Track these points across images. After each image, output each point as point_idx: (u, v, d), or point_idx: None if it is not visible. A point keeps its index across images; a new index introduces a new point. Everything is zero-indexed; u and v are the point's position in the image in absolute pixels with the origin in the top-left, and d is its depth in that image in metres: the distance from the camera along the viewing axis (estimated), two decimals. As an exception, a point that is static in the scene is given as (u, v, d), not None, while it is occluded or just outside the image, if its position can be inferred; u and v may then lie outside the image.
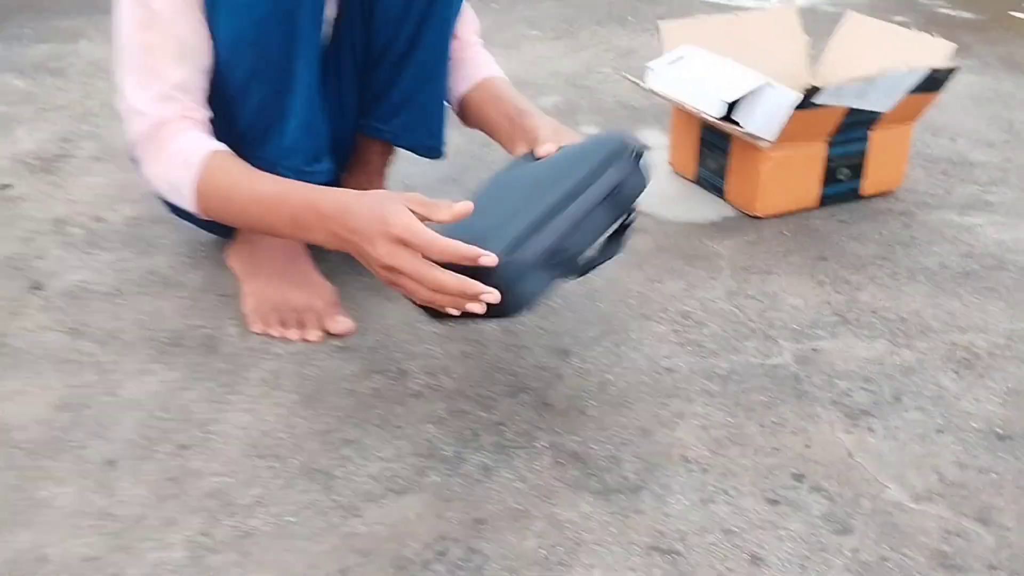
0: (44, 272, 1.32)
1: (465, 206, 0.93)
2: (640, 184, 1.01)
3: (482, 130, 1.28)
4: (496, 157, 1.32)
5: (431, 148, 1.29)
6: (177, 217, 1.29)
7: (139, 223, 1.45)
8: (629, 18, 2.56)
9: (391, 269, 0.92)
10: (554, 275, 0.96)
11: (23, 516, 0.90)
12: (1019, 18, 2.61)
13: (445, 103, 1.28)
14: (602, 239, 1.01)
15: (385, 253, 0.92)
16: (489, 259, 0.89)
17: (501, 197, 1.01)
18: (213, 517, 0.90)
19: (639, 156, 1.01)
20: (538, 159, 1.09)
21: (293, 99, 1.11)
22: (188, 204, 1.09)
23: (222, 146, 1.10)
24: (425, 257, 0.91)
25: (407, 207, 0.93)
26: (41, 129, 1.78)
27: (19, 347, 1.16)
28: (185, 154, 1.09)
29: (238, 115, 1.12)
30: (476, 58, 1.30)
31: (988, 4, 2.76)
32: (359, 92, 1.26)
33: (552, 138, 1.11)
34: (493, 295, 0.89)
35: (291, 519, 0.90)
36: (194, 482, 0.95)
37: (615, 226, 1.02)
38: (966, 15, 2.67)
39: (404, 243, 0.91)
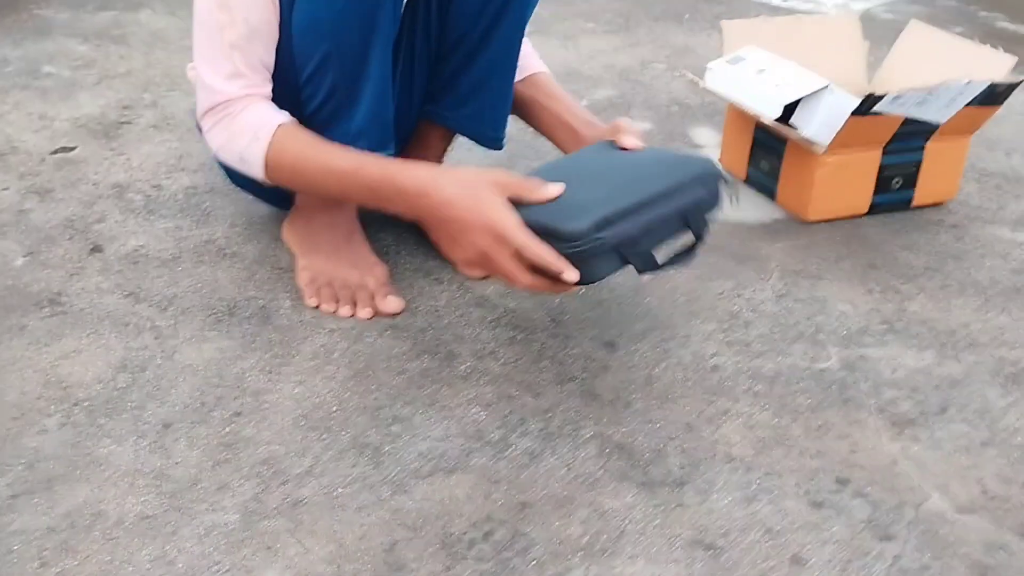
0: (104, 236, 1.35)
1: (558, 187, 0.99)
2: (716, 208, 1.08)
3: (528, 122, 1.33)
4: (547, 146, 1.33)
5: (494, 139, 1.31)
6: (238, 187, 1.32)
7: (196, 192, 1.47)
8: (686, 16, 2.55)
9: (483, 257, 0.97)
10: (625, 262, 0.99)
11: (82, 472, 0.93)
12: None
13: (510, 97, 1.30)
14: (674, 245, 1.05)
15: (484, 246, 0.97)
16: (571, 276, 0.94)
17: (589, 179, 1.04)
18: (265, 484, 0.93)
19: (722, 182, 1.08)
20: (623, 149, 1.12)
21: (365, 85, 1.12)
22: (257, 174, 1.12)
23: (289, 118, 1.12)
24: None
25: (504, 197, 0.97)
26: (103, 95, 1.81)
27: (79, 307, 1.19)
28: (255, 127, 1.11)
29: (309, 97, 1.14)
30: (525, 51, 1.32)
31: (1049, 19, 2.72)
32: (428, 78, 1.27)
33: (612, 134, 1.14)
34: (571, 288, 0.97)
35: (341, 490, 0.92)
36: (247, 449, 0.97)
37: (687, 239, 1.06)
38: (1025, 30, 2.64)
39: (502, 242, 0.95)
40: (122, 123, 1.70)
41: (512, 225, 0.95)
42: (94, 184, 1.48)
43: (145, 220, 1.39)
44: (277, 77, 1.13)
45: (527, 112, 1.33)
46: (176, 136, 1.65)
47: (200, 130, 1.18)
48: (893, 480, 0.98)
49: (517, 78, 1.30)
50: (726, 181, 1.09)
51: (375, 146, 1.18)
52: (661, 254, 1.03)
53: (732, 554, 0.88)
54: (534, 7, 1.24)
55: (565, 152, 1.27)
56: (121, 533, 0.86)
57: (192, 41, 1.13)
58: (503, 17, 1.20)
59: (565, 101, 1.30)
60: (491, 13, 1.20)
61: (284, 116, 1.12)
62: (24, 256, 1.29)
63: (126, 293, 1.22)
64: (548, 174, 1.04)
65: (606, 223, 0.96)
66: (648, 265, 1.01)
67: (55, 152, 1.58)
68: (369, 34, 1.09)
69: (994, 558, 0.89)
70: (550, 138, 1.30)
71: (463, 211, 0.97)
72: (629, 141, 1.12)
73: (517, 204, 0.98)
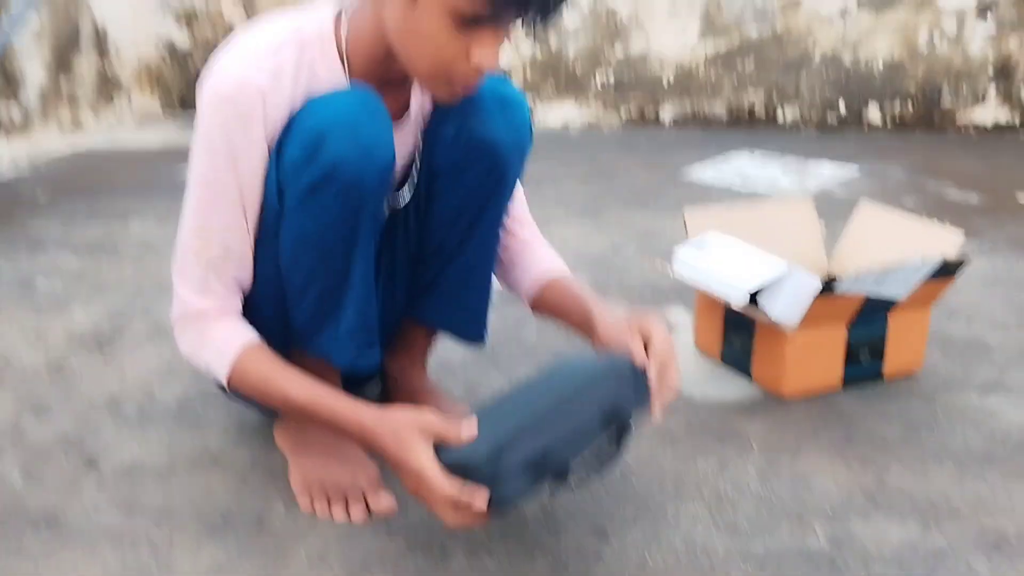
0: (98, 449, 1.37)
1: (471, 426, 1.05)
2: (638, 401, 1.11)
3: (558, 325, 1.36)
4: (527, 334, 1.39)
5: (476, 336, 1.37)
6: (224, 395, 1.36)
7: (189, 400, 1.51)
8: (651, 201, 2.69)
9: (416, 495, 1.05)
10: (542, 480, 1.03)
11: None
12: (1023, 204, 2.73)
13: (490, 295, 1.37)
14: (595, 450, 1.08)
15: (411, 488, 1.06)
16: (479, 504, 1.00)
17: (511, 406, 1.09)
18: None
19: (640, 376, 1.11)
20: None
21: (349, 294, 1.19)
22: (222, 384, 1.19)
23: (254, 338, 1.18)
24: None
25: (428, 441, 1.04)
26: (95, 306, 1.88)
27: (76, 524, 1.20)
28: (220, 344, 1.18)
29: (295, 307, 1.20)
30: (542, 255, 1.38)
31: (994, 187, 2.88)
32: (409, 281, 1.34)
33: (612, 339, 1.17)
34: (482, 516, 1.02)
35: None
36: (246, 663, 0.97)
37: (610, 437, 1.09)
38: (973, 199, 2.78)
39: (422, 484, 1.04)
40: (115, 334, 1.76)
41: (428, 468, 1.03)
42: (88, 398, 1.52)
43: (139, 431, 1.42)
44: (266, 285, 1.20)
45: (554, 318, 1.35)
46: (167, 343, 1.70)
47: (175, 338, 1.24)
48: (889, 659, 0.99)
49: (537, 287, 1.35)
50: (643, 371, 1.11)
51: (361, 349, 1.24)
52: (583, 463, 1.06)
53: None
54: (503, 214, 1.32)
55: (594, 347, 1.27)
56: None
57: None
58: (478, 224, 1.28)
59: (581, 303, 1.28)
60: (466, 221, 1.28)
61: (248, 336, 1.18)
62: (21, 474, 1.31)
63: (122, 508, 1.23)
64: (484, 410, 1.09)
65: (506, 445, 1.01)
66: (562, 479, 1.04)
67: (50, 366, 1.62)
68: (352, 247, 1.16)
69: None
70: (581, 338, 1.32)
71: (393, 455, 1.06)
72: (637, 347, 1.14)
73: (440, 445, 1.05)
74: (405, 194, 1.29)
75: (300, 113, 1.12)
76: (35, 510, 1.23)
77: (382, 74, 1.16)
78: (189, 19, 3.81)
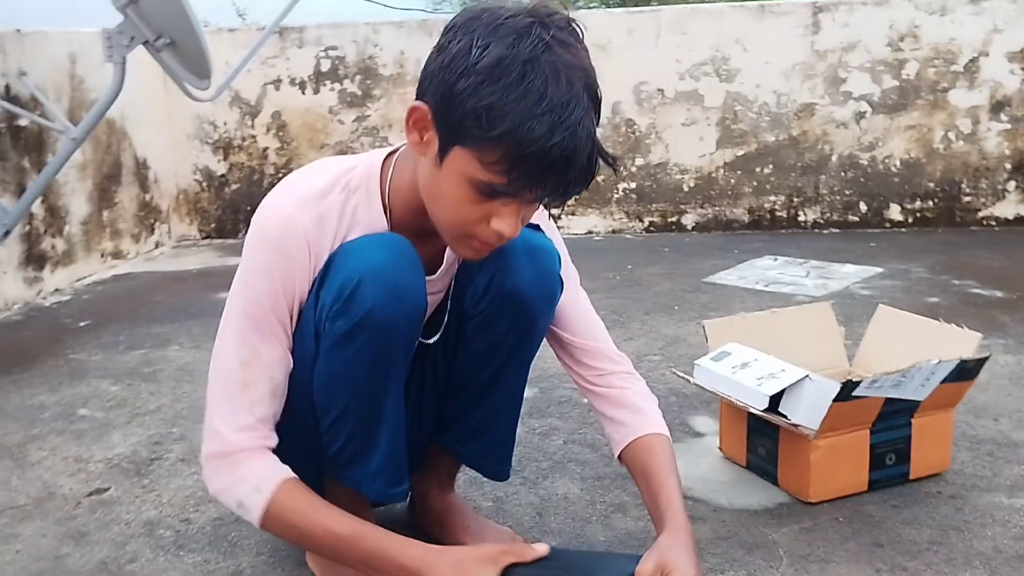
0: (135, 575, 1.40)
1: (544, 548, 1.13)
2: None
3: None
4: (553, 446, 1.42)
5: (499, 472, 1.42)
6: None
7: (223, 523, 1.54)
8: (675, 307, 2.73)
9: None
10: None
11: None
12: (1048, 295, 2.74)
13: (515, 435, 1.42)
14: None
15: None
16: None
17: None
18: None
19: None
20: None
21: (381, 431, 1.23)
22: (253, 521, 1.19)
23: (291, 474, 1.20)
24: None
25: (497, 571, 1.09)
26: (135, 433, 1.93)
27: (113, 652, 1.22)
28: (258, 479, 1.18)
29: (329, 442, 1.24)
30: (636, 404, 1.37)
31: (1019, 282, 2.89)
32: (437, 410, 1.38)
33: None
34: None
35: None
36: None
37: None
38: (998, 294, 2.79)
39: None
40: (153, 459, 1.81)
41: None
42: (126, 524, 1.56)
43: (175, 556, 1.45)
44: (299, 422, 1.23)
45: (634, 479, 1.36)
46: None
47: (205, 474, 1.24)
48: None
49: (625, 444, 1.35)
50: None
51: (392, 484, 1.27)
52: None
53: None
54: (535, 351, 1.35)
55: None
56: None
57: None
58: (506, 368, 1.33)
59: (656, 494, 1.27)
60: (495, 365, 1.32)
61: (286, 472, 1.20)
62: (60, 603, 1.34)
63: (158, 633, 1.26)
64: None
65: None
66: None
67: (89, 495, 1.67)
68: (384, 386, 1.21)
69: None
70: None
71: None
72: None
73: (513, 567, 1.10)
74: (436, 334, 1.33)
75: (337, 258, 1.16)
76: (74, 639, 1.26)
77: (421, 222, 1.19)
78: (225, 148, 3.97)
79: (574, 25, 1.09)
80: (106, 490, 1.69)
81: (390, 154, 1.23)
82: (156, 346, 2.51)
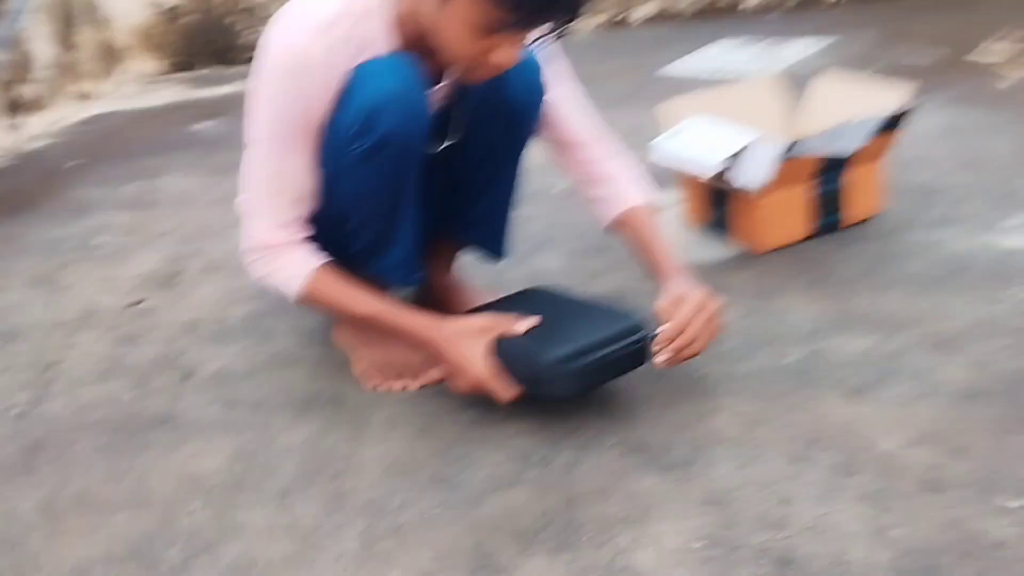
0: (190, 364, 1.64)
1: (533, 320, 1.36)
2: (640, 364, 1.38)
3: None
4: (534, 230, 1.63)
5: (499, 252, 1.63)
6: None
7: (255, 318, 1.77)
8: (630, 100, 2.90)
9: (469, 388, 1.36)
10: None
11: (229, 535, 1.20)
12: (972, 61, 2.94)
13: (512, 223, 1.61)
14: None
15: (465, 387, 1.36)
16: (504, 396, 1.34)
17: (556, 318, 1.39)
18: (372, 519, 1.20)
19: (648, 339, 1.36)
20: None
21: (399, 229, 1.44)
22: (291, 301, 1.43)
23: (323, 260, 1.42)
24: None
25: (486, 341, 1.34)
26: (153, 253, 2.12)
27: (187, 421, 1.47)
28: (294, 267, 1.41)
29: (352, 241, 1.45)
30: (616, 184, 1.53)
31: (946, 51, 3.08)
32: (439, 207, 1.57)
33: (668, 308, 1.37)
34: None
35: (431, 512, 1.20)
36: (351, 498, 1.24)
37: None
38: (929, 59, 2.99)
39: (478, 384, 1.35)
40: (176, 272, 2.01)
41: (485, 377, 1.33)
42: (169, 325, 1.78)
43: (221, 345, 1.68)
44: (326, 224, 1.43)
45: (628, 247, 1.55)
46: (224, 276, 1.96)
47: (246, 264, 1.45)
48: (851, 434, 1.26)
49: (610, 218, 1.53)
50: (651, 336, 1.35)
51: (409, 274, 1.49)
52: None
53: (735, 505, 1.15)
54: (525, 149, 1.52)
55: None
56: (272, 571, 1.13)
57: (241, 181, 1.43)
58: (503, 167, 1.51)
59: (649, 254, 1.48)
60: (492, 165, 1.50)
61: (319, 259, 1.41)
62: (131, 391, 1.57)
63: (222, 404, 1.50)
64: (518, 305, 1.42)
65: (565, 358, 1.30)
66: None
67: (128, 306, 1.88)
68: (400, 194, 1.40)
69: (934, 474, 1.17)
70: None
71: (454, 358, 1.36)
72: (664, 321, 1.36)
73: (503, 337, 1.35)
74: (441, 145, 1.49)
75: (353, 82, 1.31)
76: (150, 415, 1.49)
77: (423, 45, 1.33)
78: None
79: None
80: (142, 301, 1.90)
81: None
82: (150, 177, 2.66)
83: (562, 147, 1.55)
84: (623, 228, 1.53)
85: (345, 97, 1.33)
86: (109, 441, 1.44)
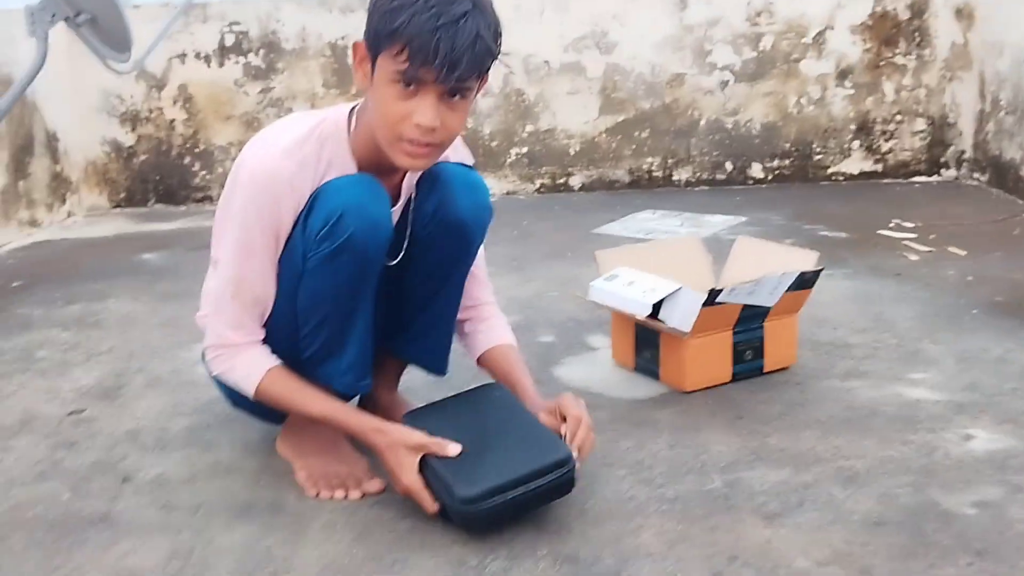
0: (129, 469, 1.66)
1: (457, 447, 1.43)
2: (567, 491, 1.45)
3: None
4: (469, 363, 1.72)
5: (439, 370, 1.72)
6: (236, 408, 1.66)
7: (197, 429, 1.80)
8: (568, 254, 3.07)
9: (402, 491, 1.46)
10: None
11: (164, 626, 1.21)
12: (884, 235, 3.18)
13: (452, 338, 1.71)
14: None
15: (400, 490, 1.45)
16: (429, 508, 1.43)
17: (478, 439, 1.46)
18: (308, 614, 1.22)
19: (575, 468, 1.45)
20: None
21: (352, 334, 1.52)
22: (249, 399, 1.53)
23: (277, 362, 1.52)
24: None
25: (417, 456, 1.43)
26: (96, 369, 2.15)
27: (127, 519, 1.49)
28: (249, 368, 1.51)
29: (307, 344, 1.53)
30: (493, 323, 1.72)
31: (860, 227, 3.33)
32: (385, 321, 1.65)
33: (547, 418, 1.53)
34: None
35: (367, 609, 1.23)
36: (288, 595, 1.27)
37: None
38: (843, 235, 3.23)
39: (408, 492, 1.44)
40: (119, 387, 2.04)
41: (413, 486, 1.42)
42: (110, 434, 1.80)
43: (161, 454, 1.71)
44: (282, 327, 1.52)
45: (493, 375, 1.68)
46: (167, 390, 2.00)
47: (205, 361, 1.57)
48: (769, 553, 1.34)
49: (484, 349, 1.69)
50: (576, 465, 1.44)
51: (357, 379, 1.57)
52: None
53: (659, 611, 1.21)
54: (466, 275, 1.65)
55: None
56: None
57: (203, 297, 1.58)
58: (447, 282, 1.62)
59: (512, 376, 1.64)
60: (437, 280, 1.61)
61: (273, 361, 1.52)
62: (68, 492, 1.58)
63: (161, 507, 1.52)
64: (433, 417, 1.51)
65: (493, 492, 1.37)
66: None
67: (69, 414, 1.90)
68: (357, 298, 1.50)
69: (842, 588, 1.25)
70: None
71: (390, 464, 1.45)
72: (573, 411, 1.51)
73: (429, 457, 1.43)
74: (395, 258, 1.59)
75: (320, 194, 1.44)
76: (87, 515, 1.51)
77: (380, 162, 1.46)
78: (132, 120, 4.11)
79: None
80: (84, 410, 1.92)
81: (352, 109, 1.50)
82: (94, 300, 2.70)
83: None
84: (492, 361, 1.68)
85: (315, 206, 1.44)
86: (44, 537, 1.44)
